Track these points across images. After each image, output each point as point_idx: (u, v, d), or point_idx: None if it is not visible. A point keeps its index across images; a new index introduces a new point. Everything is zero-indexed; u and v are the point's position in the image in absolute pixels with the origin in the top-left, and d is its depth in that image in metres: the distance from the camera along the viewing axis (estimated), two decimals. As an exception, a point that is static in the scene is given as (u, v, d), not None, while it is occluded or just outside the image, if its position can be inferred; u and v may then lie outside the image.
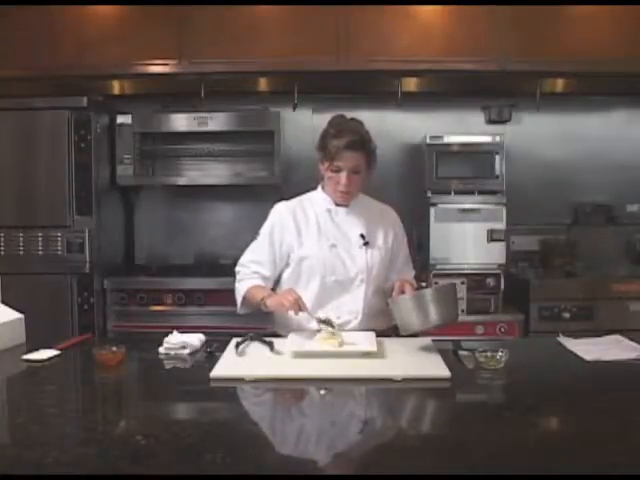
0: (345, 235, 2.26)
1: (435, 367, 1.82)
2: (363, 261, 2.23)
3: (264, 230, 2.31)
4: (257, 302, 2.16)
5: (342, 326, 2.17)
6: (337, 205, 2.28)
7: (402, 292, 2.09)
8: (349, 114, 2.28)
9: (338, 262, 2.22)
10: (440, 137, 3.51)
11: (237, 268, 2.33)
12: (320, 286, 2.21)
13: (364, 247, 2.24)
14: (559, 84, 3.70)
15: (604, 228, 3.78)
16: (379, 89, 3.69)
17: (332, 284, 2.21)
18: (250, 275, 2.27)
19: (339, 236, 2.25)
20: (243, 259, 2.33)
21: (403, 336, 2.05)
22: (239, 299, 2.26)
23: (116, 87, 3.72)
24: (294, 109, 3.66)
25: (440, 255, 3.36)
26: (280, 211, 2.31)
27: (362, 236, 2.25)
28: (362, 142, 2.17)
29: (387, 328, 2.22)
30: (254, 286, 2.23)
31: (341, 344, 1.99)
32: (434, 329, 2.02)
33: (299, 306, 2.05)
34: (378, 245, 2.27)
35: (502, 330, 3.28)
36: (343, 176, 2.18)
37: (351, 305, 2.21)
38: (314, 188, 2.36)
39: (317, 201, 2.31)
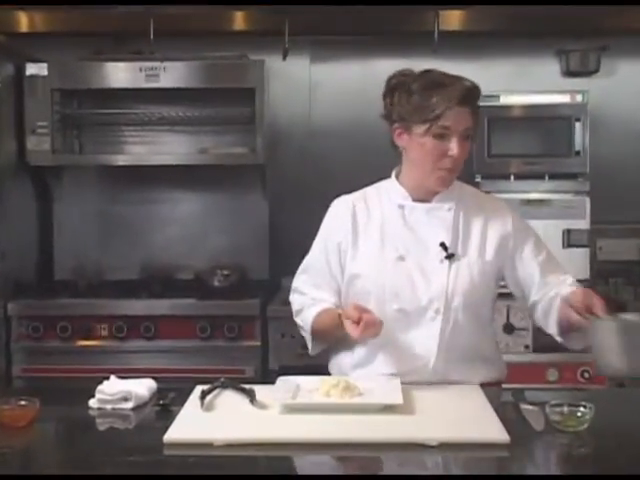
0: (421, 242, 2.23)
1: (487, 428, 1.83)
2: (442, 282, 2.19)
3: (318, 237, 2.35)
4: (334, 324, 2.15)
5: (407, 375, 2.14)
6: (415, 200, 2.25)
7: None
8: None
9: (405, 283, 2.19)
10: (495, 97, 3.54)
11: (291, 295, 2.37)
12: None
13: (446, 261, 2.21)
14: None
15: None
16: (405, 28, 3.69)
17: (394, 315, 2.18)
18: (310, 303, 2.29)
19: (411, 244, 2.23)
20: (297, 280, 2.36)
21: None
22: (307, 336, 2.30)
23: (24, 22, 3.73)
24: (284, 57, 3.66)
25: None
26: (337, 209, 2.34)
27: (443, 245, 2.21)
28: (478, 94, 2.23)
29: (491, 381, 2.22)
30: (320, 312, 2.24)
31: (353, 395, 2.00)
32: None
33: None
34: (469, 258, 2.23)
35: (585, 376, 3.30)
36: (454, 142, 2.13)
37: (421, 346, 2.18)
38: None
39: (387, 194, 2.30)
